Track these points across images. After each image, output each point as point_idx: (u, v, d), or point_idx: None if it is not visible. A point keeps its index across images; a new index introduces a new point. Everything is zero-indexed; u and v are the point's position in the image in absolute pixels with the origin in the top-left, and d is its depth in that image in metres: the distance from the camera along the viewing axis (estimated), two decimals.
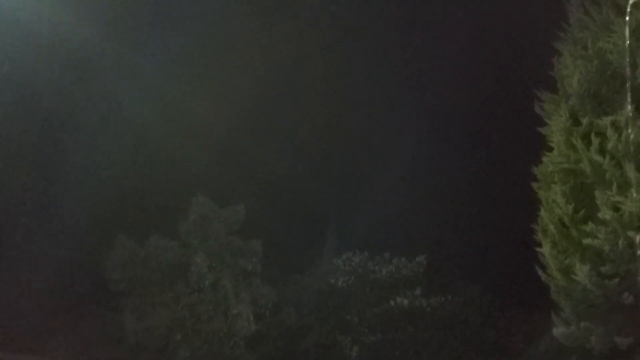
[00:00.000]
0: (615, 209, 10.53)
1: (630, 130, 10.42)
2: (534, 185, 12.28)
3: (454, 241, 19.08)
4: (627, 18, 10.49)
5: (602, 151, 10.81)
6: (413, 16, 20.31)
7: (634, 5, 10.19)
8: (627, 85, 10.59)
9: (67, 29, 17.31)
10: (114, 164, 18.17)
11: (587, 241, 10.84)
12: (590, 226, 10.79)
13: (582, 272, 10.73)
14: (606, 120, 10.81)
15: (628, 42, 10.50)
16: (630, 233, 10.38)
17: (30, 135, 18.01)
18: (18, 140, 17.71)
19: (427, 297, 18.14)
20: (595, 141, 10.85)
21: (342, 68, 20.47)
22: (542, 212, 11.80)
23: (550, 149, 11.93)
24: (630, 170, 10.39)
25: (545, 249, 11.54)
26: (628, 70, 10.55)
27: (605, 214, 10.54)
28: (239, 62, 19.48)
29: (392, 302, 17.98)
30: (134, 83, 18.30)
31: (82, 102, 18.42)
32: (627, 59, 10.51)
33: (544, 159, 11.99)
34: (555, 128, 11.74)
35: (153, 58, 19.15)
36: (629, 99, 10.54)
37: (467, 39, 19.52)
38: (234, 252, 16.78)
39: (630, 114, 10.53)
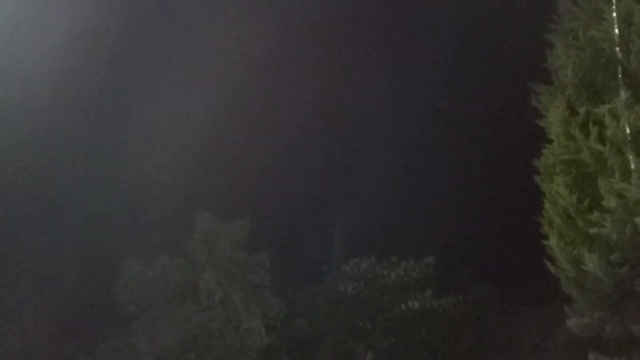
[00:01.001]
0: (620, 196, 10.45)
1: (628, 117, 10.36)
2: (536, 178, 12.22)
3: (461, 240, 19.05)
4: (615, 6, 10.46)
5: (601, 139, 10.74)
6: (409, 17, 20.34)
7: None
8: (621, 72, 10.55)
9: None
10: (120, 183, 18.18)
11: (593, 230, 10.76)
12: (595, 215, 10.70)
13: (591, 262, 10.64)
14: (603, 109, 10.75)
15: (618, 29, 10.48)
16: (637, 219, 10.28)
17: (31, 164, 18.05)
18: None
19: (438, 298, 18.08)
20: (594, 130, 10.79)
21: (349, 75, 20.50)
22: (547, 205, 11.72)
23: (550, 141, 11.87)
24: (631, 157, 10.34)
25: (553, 241, 11.44)
26: (621, 56, 10.53)
27: (610, 201, 10.46)
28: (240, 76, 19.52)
29: (403, 306, 17.93)
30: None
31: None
32: (619, 46, 10.48)
33: (544, 152, 11.93)
34: (553, 120, 11.67)
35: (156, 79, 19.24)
36: (624, 86, 10.51)
37: (459, 35, 19.56)
38: (242, 266, 16.78)
39: (627, 101, 10.48)
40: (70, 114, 18.31)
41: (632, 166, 10.29)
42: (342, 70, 20.39)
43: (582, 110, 11.18)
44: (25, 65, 16.92)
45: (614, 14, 10.42)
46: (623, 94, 10.52)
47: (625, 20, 10.62)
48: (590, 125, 10.92)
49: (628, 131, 10.35)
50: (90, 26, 17.77)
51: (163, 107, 19.15)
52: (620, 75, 10.64)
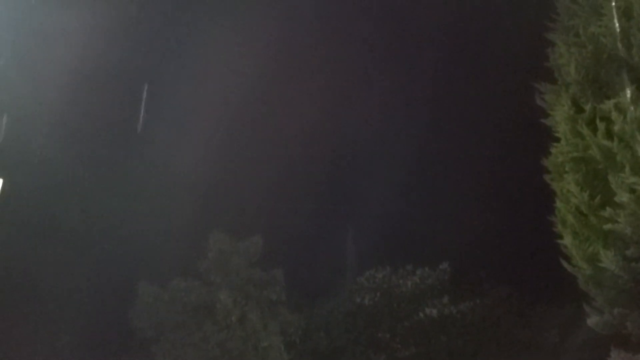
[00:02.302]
0: (631, 190, 10.41)
1: (634, 111, 10.34)
2: (546, 177, 12.19)
3: (475, 243, 18.92)
4: (614, 1, 10.49)
5: (609, 135, 10.72)
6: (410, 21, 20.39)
7: None
8: (624, 66, 10.55)
9: None
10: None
11: (607, 227, 10.70)
12: (608, 211, 10.65)
13: (607, 258, 10.59)
14: (609, 104, 10.75)
15: (618, 24, 10.49)
16: None
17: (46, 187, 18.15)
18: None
19: (455, 304, 17.98)
20: (601, 126, 10.78)
21: (356, 87, 20.55)
22: (558, 203, 11.69)
23: (557, 140, 11.85)
24: None
25: (567, 240, 11.40)
26: (623, 51, 10.53)
27: (622, 197, 10.41)
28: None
29: (421, 314, 17.84)
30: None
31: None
32: (621, 41, 10.48)
33: (553, 150, 11.91)
34: (559, 118, 11.68)
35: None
36: (628, 80, 10.50)
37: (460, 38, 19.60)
38: (257, 283, 16.77)
39: (632, 95, 10.46)
40: (83, 138, 18.49)
41: None
42: (350, 82, 20.49)
43: (587, 107, 11.18)
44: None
45: (614, 9, 10.43)
46: (628, 89, 10.50)
47: (625, 15, 10.63)
48: (597, 121, 10.92)
49: (635, 125, 10.32)
50: (106, 55, 17.94)
51: (173, 127, 19.28)
52: (623, 70, 10.62)
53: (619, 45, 10.60)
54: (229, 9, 19.00)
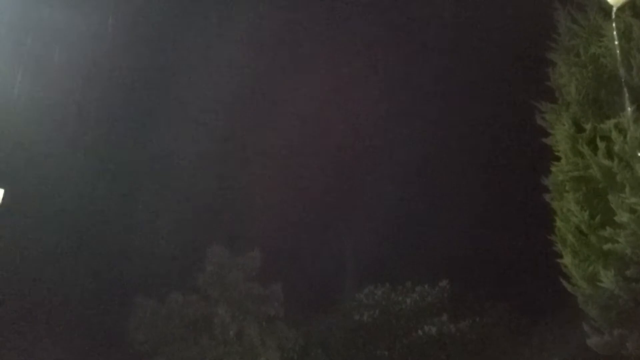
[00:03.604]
0: (632, 210, 10.38)
1: (634, 131, 10.34)
2: (547, 196, 12.17)
3: (475, 261, 18.87)
4: (614, 22, 10.54)
5: (609, 154, 10.72)
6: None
7: (619, 8, 10.24)
8: (625, 86, 10.57)
9: None
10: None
11: (607, 246, 10.66)
12: (608, 231, 10.62)
13: (607, 278, 10.52)
14: (609, 124, 10.76)
15: (619, 45, 10.53)
16: None
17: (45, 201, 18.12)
18: None
19: (455, 322, 17.88)
20: (602, 145, 10.78)
21: (355, 103, 20.57)
22: (558, 222, 11.65)
23: (558, 159, 11.85)
24: None
25: (567, 259, 11.35)
26: (623, 72, 10.56)
27: (622, 216, 10.39)
28: None
29: (420, 331, 17.72)
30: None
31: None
32: (621, 62, 10.52)
33: (553, 169, 11.90)
34: (560, 137, 11.68)
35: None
36: (628, 100, 10.52)
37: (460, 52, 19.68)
38: (255, 298, 16.70)
39: (632, 115, 10.48)
40: (79, 151, 18.50)
41: None
42: (347, 98, 20.53)
43: (588, 127, 11.19)
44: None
45: (614, 31, 10.48)
46: (628, 109, 10.51)
47: (625, 36, 10.68)
48: (598, 140, 10.91)
49: (635, 145, 10.32)
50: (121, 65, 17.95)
51: (171, 142, 19.29)
52: (623, 90, 10.65)
53: (619, 66, 10.64)
54: (231, 10, 19.02)
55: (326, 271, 19.41)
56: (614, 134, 10.60)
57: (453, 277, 18.77)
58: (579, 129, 11.41)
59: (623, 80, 10.61)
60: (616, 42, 10.44)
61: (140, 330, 16.14)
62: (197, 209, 18.77)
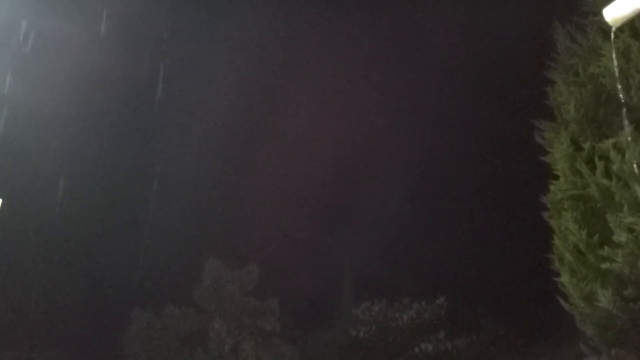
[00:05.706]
0: (630, 230, 10.38)
1: (633, 151, 10.37)
2: (545, 214, 12.17)
3: (472, 279, 18.83)
4: (613, 42, 10.61)
5: (607, 174, 10.74)
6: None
7: (618, 28, 10.32)
8: (623, 106, 10.62)
9: None
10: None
11: (605, 266, 10.64)
12: (606, 250, 10.60)
13: (605, 298, 10.50)
14: (608, 143, 10.79)
15: (618, 65, 10.59)
16: None
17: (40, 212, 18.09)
18: None
19: (452, 340, 17.79)
20: (600, 165, 10.80)
21: (354, 121, 20.63)
22: (556, 241, 11.64)
23: (556, 177, 11.87)
24: (638, 190, 10.30)
25: (565, 278, 11.33)
26: (622, 91, 10.61)
27: (620, 236, 10.38)
28: None
29: (416, 349, 17.63)
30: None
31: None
32: (619, 81, 10.57)
33: (551, 188, 11.91)
34: (558, 156, 11.71)
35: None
36: (626, 120, 10.56)
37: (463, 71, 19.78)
38: (252, 313, 16.62)
39: (631, 135, 10.51)
40: (77, 163, 18.50)
41: None
42: (344, 114, 20.61)
43: (586, 146, 11.22)
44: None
45: (613, 50, 10.55)
46: (626, 129, 10.55)
47: (624, 56, 10.75)
48: (596, 160, 10.94)
49: (634, 165, 10.35)
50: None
51: (169, 154, 19.33)
52: (622, 110, 10.69)
53: (618, 85, 10.69)
54: (235, 12, 19.09)
55: (323, 286, 19.37)
56: (613, 154, 10.63)
57: (450, 294, 18.72)
58: (578, 147, 11.44)
59: (622, 99, 10.67)
60: (615, 62, 10.50)
61: (136, 343, 16.05)
62: (194, 222, 18.75)
